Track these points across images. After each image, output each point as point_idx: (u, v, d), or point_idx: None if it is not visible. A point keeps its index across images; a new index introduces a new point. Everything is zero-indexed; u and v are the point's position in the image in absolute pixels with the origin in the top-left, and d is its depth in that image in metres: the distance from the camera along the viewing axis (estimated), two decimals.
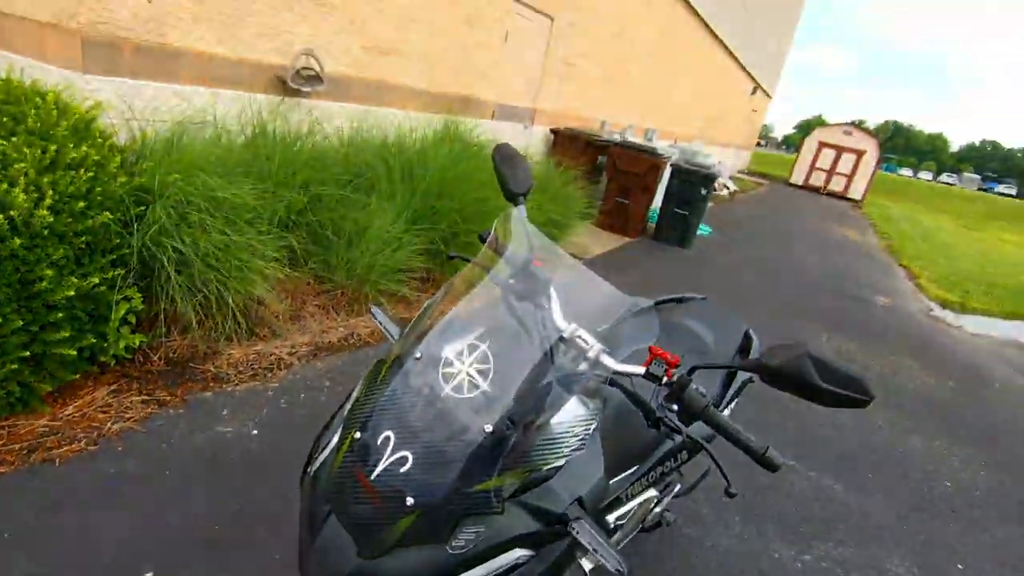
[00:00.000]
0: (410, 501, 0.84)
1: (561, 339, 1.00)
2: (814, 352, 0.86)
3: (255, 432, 2.30)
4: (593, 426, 0.94)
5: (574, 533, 0.91)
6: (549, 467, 0.89)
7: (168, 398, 2.36)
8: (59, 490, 1.89)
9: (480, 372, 0.92)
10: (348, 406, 1.05)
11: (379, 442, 0.88)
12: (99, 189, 2.14)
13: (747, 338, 1.85)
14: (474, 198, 3.72)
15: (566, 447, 0.91)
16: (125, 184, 2.29)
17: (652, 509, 1.79)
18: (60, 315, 2.00)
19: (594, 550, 0.89)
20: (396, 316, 3.38)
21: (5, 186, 1.89)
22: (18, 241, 1.83)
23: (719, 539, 2.26)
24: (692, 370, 1.02)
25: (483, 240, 1.30)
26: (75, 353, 2.10)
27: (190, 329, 2.55)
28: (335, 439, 1.01)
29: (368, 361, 2.88)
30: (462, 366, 0.93)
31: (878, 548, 2.42)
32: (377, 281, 3.22)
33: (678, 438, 1.08)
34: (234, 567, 1.76)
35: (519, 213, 1.21)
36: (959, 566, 2.42)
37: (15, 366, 1.93)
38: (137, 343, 2.34)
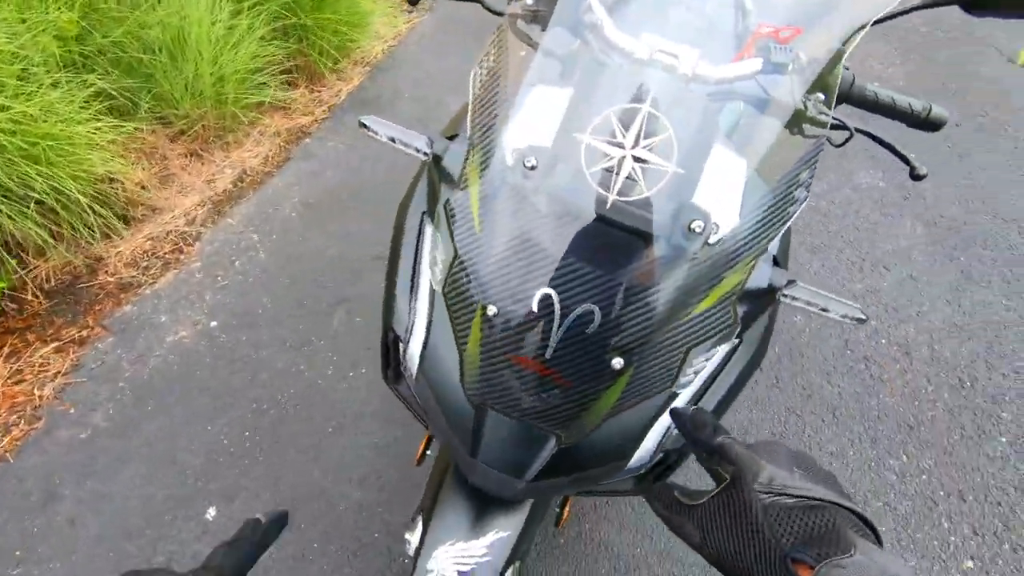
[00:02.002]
0: (617, 363, 0.62)
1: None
2: None
3: (214, 324, 1.93)
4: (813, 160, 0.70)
5: (790, 302, 0.75)
6: (766, 241, 0.68)
7: (84, 333, 1.89)
8: (37, 485, 1.56)
9: (652, 150, 0.61)
10: (427, 270, 0.75)
11: (534, 310, 0.61)
12: None
13: None
14: None
15: (781, 213, 0.68)
16: None
17: None
18: None
19: (823, 309, 0.75)
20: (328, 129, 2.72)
21: None
22: None
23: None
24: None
25: None
26: None
27: (48, 247, 1.93)
28: (424, 314, 0.74)
29: (284, 193, 2.39)
30: (622, 150, 0.61)
31: None
32: (238, 96, 2.49)
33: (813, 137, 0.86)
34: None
35: None
36: None
37: None
38: None
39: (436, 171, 0.81)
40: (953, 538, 1.51)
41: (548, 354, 0.62)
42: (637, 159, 0.60)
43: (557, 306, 0.60)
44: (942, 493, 1.59)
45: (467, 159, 0.70)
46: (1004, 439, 1.71)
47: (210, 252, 2.17)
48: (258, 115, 2.66)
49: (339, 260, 2.15)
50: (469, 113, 0.73)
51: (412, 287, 0.83)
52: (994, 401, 1.80)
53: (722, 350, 0.75)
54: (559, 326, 0.61)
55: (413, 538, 0.94)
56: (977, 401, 1.80)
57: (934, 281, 2.15)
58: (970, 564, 1.47)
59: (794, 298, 0.74)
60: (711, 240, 0.62)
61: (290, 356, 1.85)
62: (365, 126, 0.83)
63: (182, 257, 2.15)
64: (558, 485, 0.74)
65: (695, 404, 0.77)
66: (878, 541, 0.41)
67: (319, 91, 2.94)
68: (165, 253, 2.15)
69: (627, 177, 0.60)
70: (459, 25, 3.39)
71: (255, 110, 2.65)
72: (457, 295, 0.67)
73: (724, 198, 0.64)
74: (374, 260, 2.13)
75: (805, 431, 1.72)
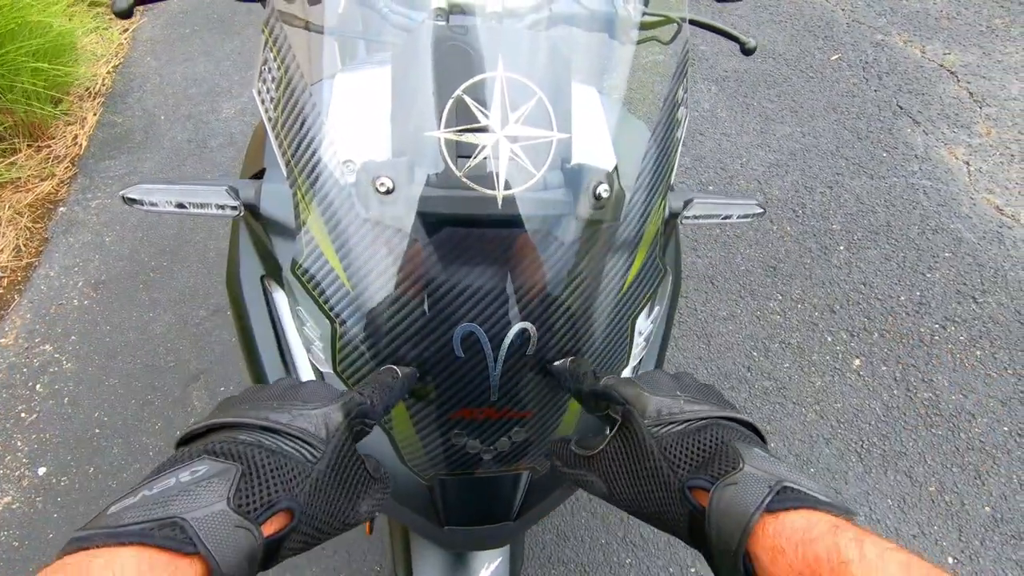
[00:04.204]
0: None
1: None
2: None
3: (43, 471, 1.54)
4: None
5: (692, 222, 0.71)
6: (669, 175, 0.61)
7: None
8: None
9: (525, 122, 0.50)
10: (301, 351, 0.60)
11: (460, 354, 0.50)
12: None
13: None
14: None
15: (672, 140, 0.61)
16: None
17: None
18: None
19: (725, 217, 0.72)
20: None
21: None
22: None
23: None
24: None
25: None
26: None
27: None
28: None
29: (61, 282, 1.94)
30: (492, 134, 0.49)
31: None
32: None
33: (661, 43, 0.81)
34: None
35: None
36: None
37: None
38: None
39: (257, 223, 0.64)
40: (839, 347, 1.72)
41: (494, 395, 0.52)
42: (512, 138, 0.50)
43: (485, 341, 0.50)
44: (817, 313, 1.80)
45: (295, 198, 0.55)
46: (842, 247, 1.96)
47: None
48: None
49: (170, 332, 1.80)
50: (273, 141, 0.57)
51: (288, 373, 0.67)
52: (824, 217, 2.05)
53: (662, 304, 0.71)
54: (495, 360, 0.51)
55: None
56: (812, 223, 2.03)
57: (742, 131, 2.35)
58: (858, 362, 1.69)
59: (696, 217, 0.71)
60: (621, 196, 0.55)
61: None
62: (133, 201, 0.59)
63: None
64: (546, 506, 0.67)
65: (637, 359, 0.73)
66: (761, 439, 0.42)
67: (48, 146, 2.37)
68: None
69: (509, 160, 0.50)
70: (189, 17, 2.90)
71: None
72: (356, 373, 0.54)
73: (613, 146, 0.57)
74: (213, 314, 1.82)
75: (697, 307, 1.83)
